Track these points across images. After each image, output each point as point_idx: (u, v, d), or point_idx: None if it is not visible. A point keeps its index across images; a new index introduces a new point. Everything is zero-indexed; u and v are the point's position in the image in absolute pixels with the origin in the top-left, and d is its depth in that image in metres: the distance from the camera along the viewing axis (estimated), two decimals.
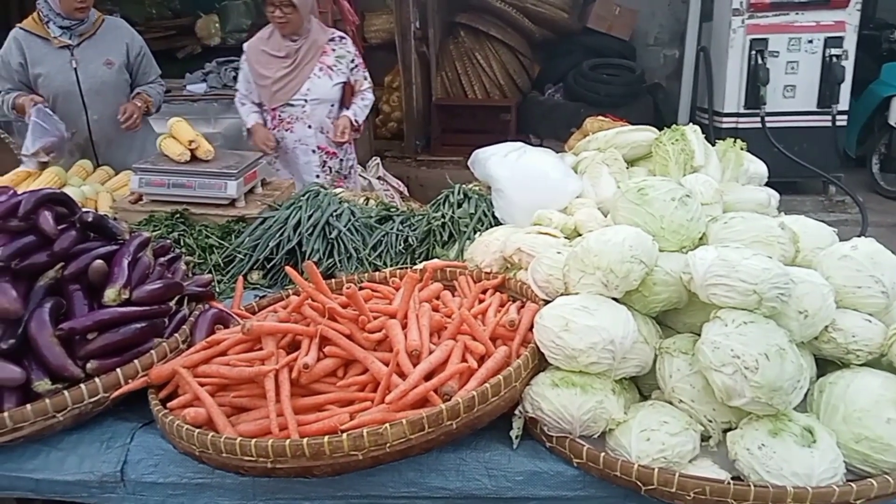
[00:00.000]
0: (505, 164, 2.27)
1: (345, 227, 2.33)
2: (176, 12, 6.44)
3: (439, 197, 2.43)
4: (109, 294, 1.52)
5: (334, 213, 2.38)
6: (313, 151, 3.57)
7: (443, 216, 2.30)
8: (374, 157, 5.40)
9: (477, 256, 1.97)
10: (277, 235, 2.31)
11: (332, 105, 3.57)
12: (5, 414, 1.36)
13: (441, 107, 6.53)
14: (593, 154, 2.33)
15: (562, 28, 6.42)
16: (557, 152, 2.50)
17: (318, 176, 3.59)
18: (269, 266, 2.29)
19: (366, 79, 3.67)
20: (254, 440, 1.24)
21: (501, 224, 2.19)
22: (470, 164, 2.51)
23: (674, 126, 2.22)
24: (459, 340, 1.48)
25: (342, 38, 3.61)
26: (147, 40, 3.52)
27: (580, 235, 1.87)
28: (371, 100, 3.68)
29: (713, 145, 2.25)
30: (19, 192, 1.68)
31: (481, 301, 1.74)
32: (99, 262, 1.56)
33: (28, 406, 1.37)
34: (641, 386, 1.53)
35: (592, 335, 1.36)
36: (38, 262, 1.53)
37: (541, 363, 1.47)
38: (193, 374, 1.45)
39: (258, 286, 2.24)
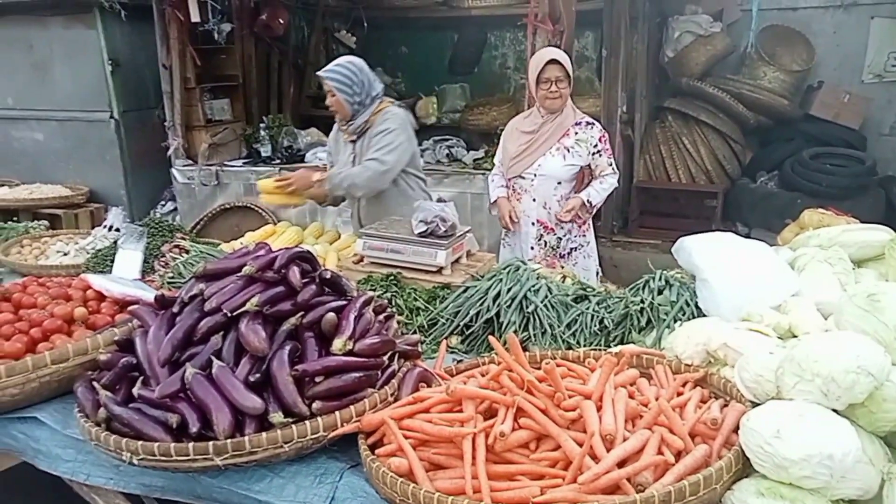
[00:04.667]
0: (713, 254, 2.21)
1: (541, 302, 2.39)
2: (400, 94, 7.13)
3: (639, 281, 2.41)
4: (337, 343, 1.72)
5: (532, 288, 2.46)
6: (532, 224, 3.71)
7: (642, 301, 2.27)
8: None
9: (677, 347, 1.93)
10: (478, 304, 2.44)
11: (559, 183, 3.64)
12: (245, 438, 1.57)
13: (642, 189, 6.46)
14: (814, 251, 2.19)
15: (780, 114, 6.10)
16: (769, 244, 2.38)
17: (532, 248, 3.72)
18: (467, 332, 2.42)
19: (609, 164, 3.66)
20: (451, 497, 1.32)
21: (704, 315, 2.12)
22: (674, 251, 2.47)
23: None
24: (656, 431, 1.46)
25: (590, 123, 3.65)
26: None
27: (795, 337, 1.76)
28: (612, 184, 3.69)
29: None
30: (273, 248, 1.99)
31: (680, 394, 1.69)
32: (331, 314, 1.77)
33: (263, 434, 1.58)
34: None
35: (808, 447, 1.27)
36: (283, 310, 1.78)
37: (744, 468, 1.40)
38: (399, 426, 1.58)
39: (456, 350, 2.37)
